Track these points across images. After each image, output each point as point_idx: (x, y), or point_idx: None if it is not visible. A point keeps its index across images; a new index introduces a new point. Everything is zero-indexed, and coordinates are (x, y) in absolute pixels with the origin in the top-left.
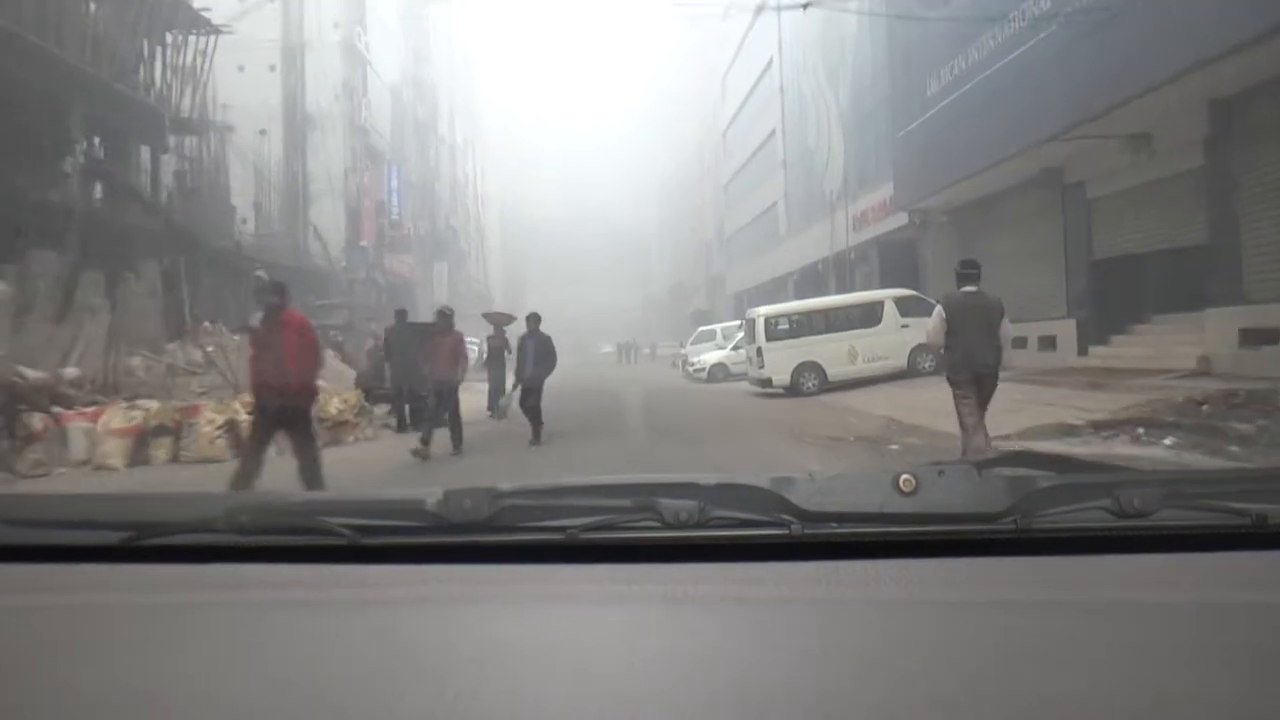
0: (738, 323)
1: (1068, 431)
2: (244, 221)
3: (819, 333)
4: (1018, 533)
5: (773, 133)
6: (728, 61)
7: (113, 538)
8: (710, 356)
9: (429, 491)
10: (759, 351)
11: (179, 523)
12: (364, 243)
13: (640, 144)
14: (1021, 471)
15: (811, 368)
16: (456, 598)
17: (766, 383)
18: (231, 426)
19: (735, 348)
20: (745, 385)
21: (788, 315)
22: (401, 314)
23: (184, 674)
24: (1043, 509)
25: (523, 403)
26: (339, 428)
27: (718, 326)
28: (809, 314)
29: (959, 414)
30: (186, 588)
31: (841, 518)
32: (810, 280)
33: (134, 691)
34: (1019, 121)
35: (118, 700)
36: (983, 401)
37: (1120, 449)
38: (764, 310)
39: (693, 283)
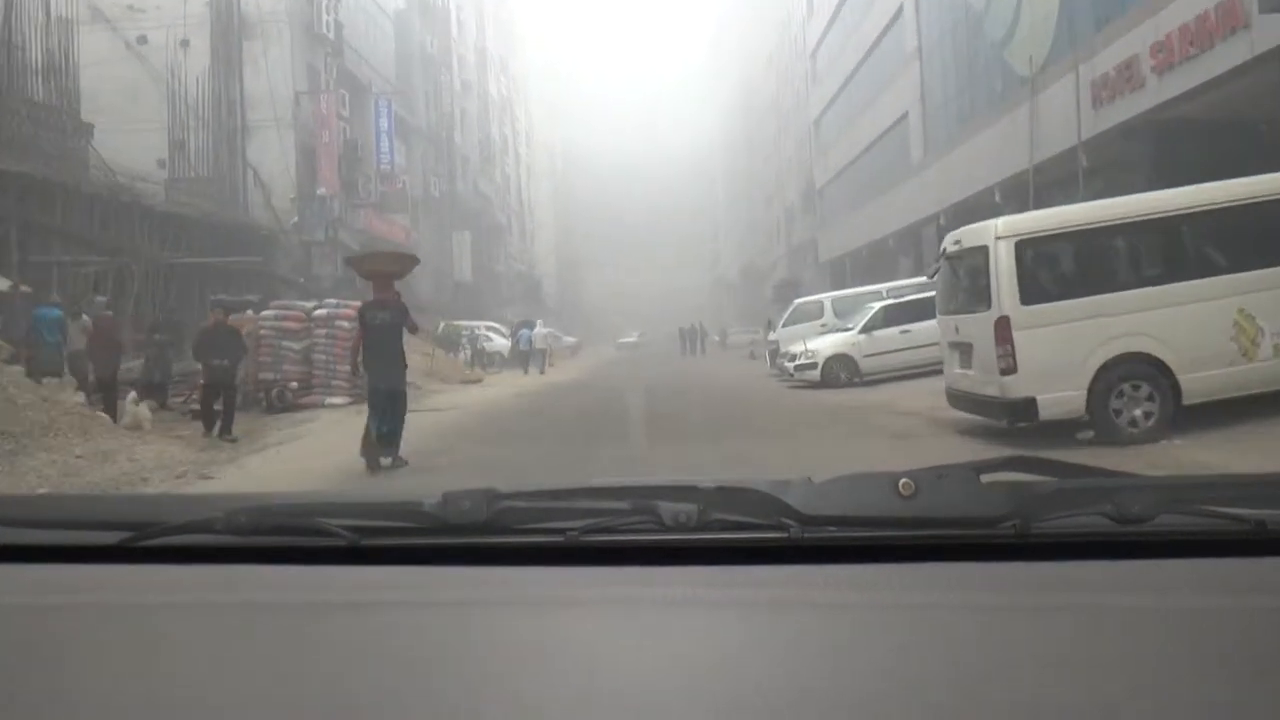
0: (858, 291)
1: None
2: (160, 165)
3: (1155, 280)
4: (1017, 538)
5: (898, 12)
6: None
7: (110, 538)
8: (823, 344)
9: (427, 493)
10: (1001, 328)
11: (177, 523)
12: (322, 190)
13: (706, 105)
14: (1021, 476)
15: (1142, 369)
16: (455, 600)
17: (1023, 409)
18: None
19: (866, 329)
20: (919, 400)
21: (1070, 235)
22: None
23: (181, 675)
24: (1042, 514)
25: None
26: None
27: (825, 298)
28: (1126, 231)
29: None
30: (184, 588)
31: (841, 521)
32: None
33: (132, 693)
34: None
35: (116, 701)
36: None
37: None
38: (1006, 226)
39: (767, 260)
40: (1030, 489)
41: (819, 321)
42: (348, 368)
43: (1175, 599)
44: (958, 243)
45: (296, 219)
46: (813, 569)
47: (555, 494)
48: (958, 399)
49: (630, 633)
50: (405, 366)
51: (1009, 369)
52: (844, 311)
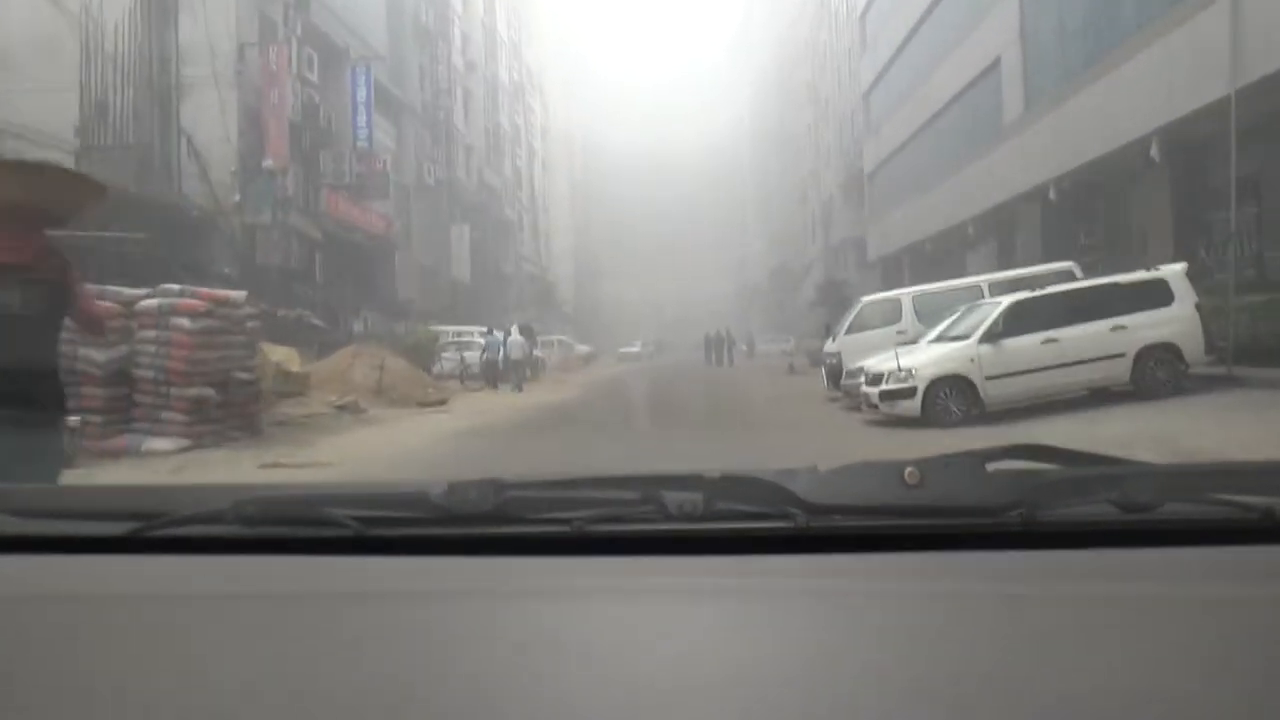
0: (948, 285)
1: None
2: (76, 132)
3: None
4: (1023, 526)
5: None
6: None
7: (119, 529)
8: (924, 359)
9: (434, 483)
10: None
11: (185, 514)
12: (269, 163)
13: (733, 96)
14: (1027, 464)
15: None
16: (461, 590)
17: None
18: None
19: (988, 337)
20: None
21: None
22: None
23: (189, 665)
24: (1049, 502)
25: None
26: None
27: (904, 295)
28: None
29: None
30: (192, 579)
31: (846, 510)
32: (1116, 191)
33: (140, 683)
34: None
35: (124, 692)
36: None
37: None
38: None
39: (801, 262)
40: (1036, 477)
41: (895, 327)
42: (189, 389)
43: (1182, 587)
44: None
45: (238, 197)
46: (819, 558)
47: (561, 484)
48: None
49: (636, 623)
50: (59, 386)
51: None
52: (930, 312)
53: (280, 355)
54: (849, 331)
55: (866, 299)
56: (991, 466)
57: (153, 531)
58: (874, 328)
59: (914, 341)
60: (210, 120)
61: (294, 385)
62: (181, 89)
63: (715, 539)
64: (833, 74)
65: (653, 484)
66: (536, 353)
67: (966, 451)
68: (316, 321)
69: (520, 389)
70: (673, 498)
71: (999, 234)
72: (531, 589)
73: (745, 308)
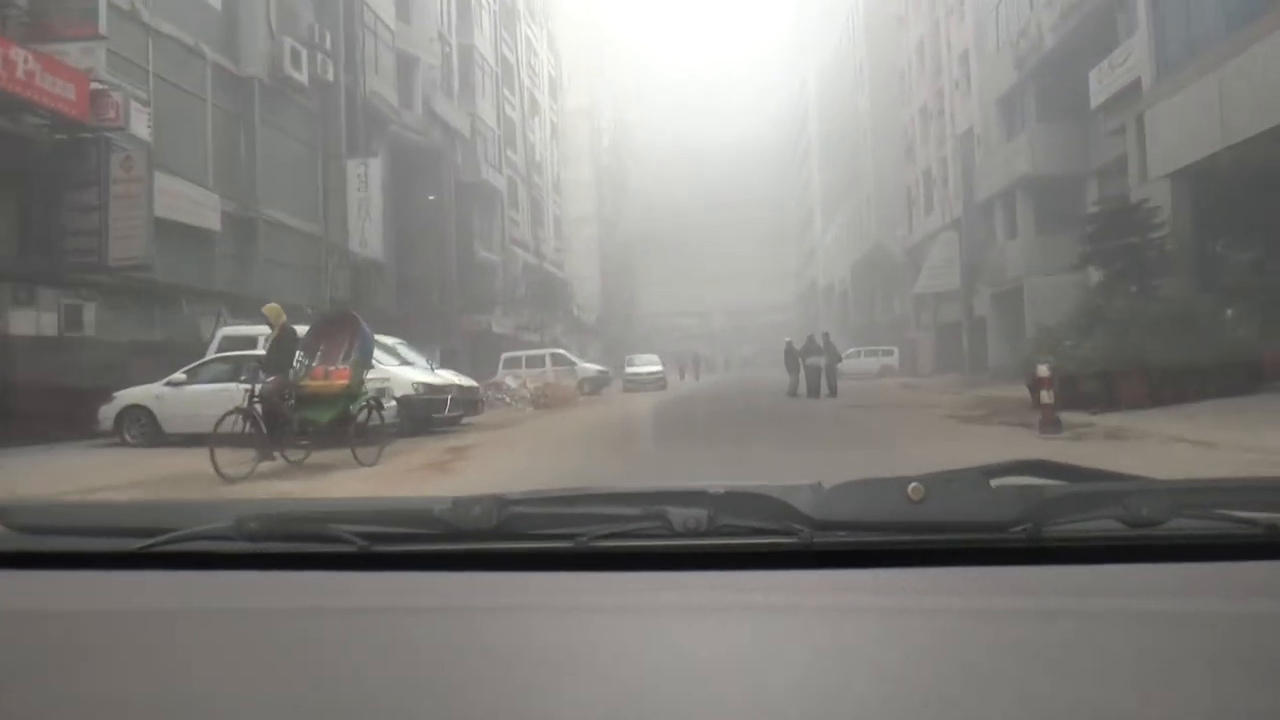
0: None
1: None
2: None
3: None
4: (1028, 541)
5: None
6: None
7: (125, 544)
8: None
9: (438, 499)
10: None
11: (190, 530)
12: None
13: (796, 53)
14: (1031, 480)
15: None
16: (465, 606)
17: None
18: None
19: None
20: None
21: None
22: None
23: (194, 680)
24: (1053, 518)
25: None
26: None
27: None
28: None
29: None
30: (197, 594)
31: (851, 526)
32: None
33: (145, 698)
34: None
35: (129, 706)
36: None
37: None
38: None
39: (908, 240)
40: (1041, 493)
41: None
42: None
43: (1187, 603)
44: None
45: None
46: (824, 574)
47: (565, 499)
48: None
49: (641, 638)
50: None
51: None
52: None
53: None
54: None
55: None
56: (995, 482)
57: (159, 547)
58: None
59: None
60: None
61: None
62: None
63: (720, 554)
64: None
65: (657, 499)
66: (432, 378)
67: (970, 467)
68: None
69: None
70: (677, 513)
71: None
72: (535, 605)
73: (815, 313)
